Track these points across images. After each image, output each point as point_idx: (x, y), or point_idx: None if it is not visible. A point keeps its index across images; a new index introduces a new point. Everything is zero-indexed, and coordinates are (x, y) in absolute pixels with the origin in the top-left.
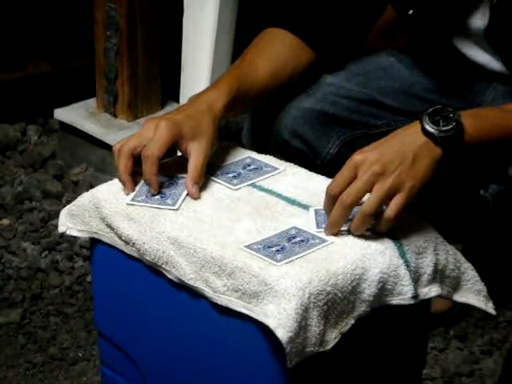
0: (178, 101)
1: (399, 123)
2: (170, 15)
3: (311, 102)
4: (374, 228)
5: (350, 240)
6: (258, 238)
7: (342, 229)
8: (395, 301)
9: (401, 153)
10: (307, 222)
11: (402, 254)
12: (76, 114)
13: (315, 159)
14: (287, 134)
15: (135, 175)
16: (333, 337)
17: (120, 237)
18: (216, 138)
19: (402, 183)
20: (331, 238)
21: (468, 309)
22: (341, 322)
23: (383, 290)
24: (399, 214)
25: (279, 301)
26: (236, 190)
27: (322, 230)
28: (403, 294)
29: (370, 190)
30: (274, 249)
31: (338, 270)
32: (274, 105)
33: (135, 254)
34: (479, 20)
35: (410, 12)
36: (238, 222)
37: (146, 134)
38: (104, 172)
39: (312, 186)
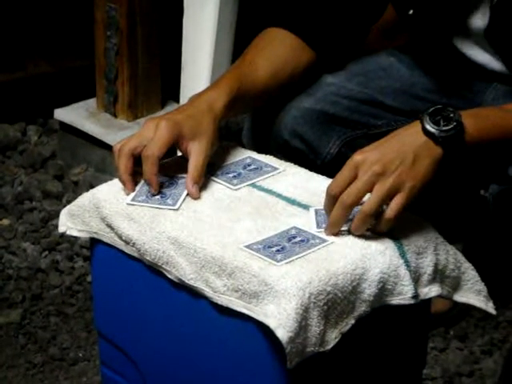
0: (178, 101)
1: (399, 123)
2: (170, 15)
3: (311, 102)
4: (375, 228)
5: (350, 240)
6: (258, 238)
7: (343, 229)
8: (395, 301)
9: (401, 153)
10: (307, 222)
11: (403, 254)
12: (76, 114)
13: (315, 159)
14: (287, 133)
15: (135, 175)
16: (333, 337)
17: (120, 237)
18: (216, 138)
19: (402, 183)
20: (331, 238)
21: (468, 309)
22: (341, 322)
23: (383, 289)
24: (399, 214)
25: (279, 301)
26: (236, 189)
27: (322, 230)
28: (403, 294)
29: (370, 190)
30: (274, 249)
31: (339, 270)
32: (274, 105)
33: (135, 254)
34: (479, 20)
35: (410, 12)
36: (238, 222)
37: (146, 133)
38: (104, 172)
39: (312, 186)
